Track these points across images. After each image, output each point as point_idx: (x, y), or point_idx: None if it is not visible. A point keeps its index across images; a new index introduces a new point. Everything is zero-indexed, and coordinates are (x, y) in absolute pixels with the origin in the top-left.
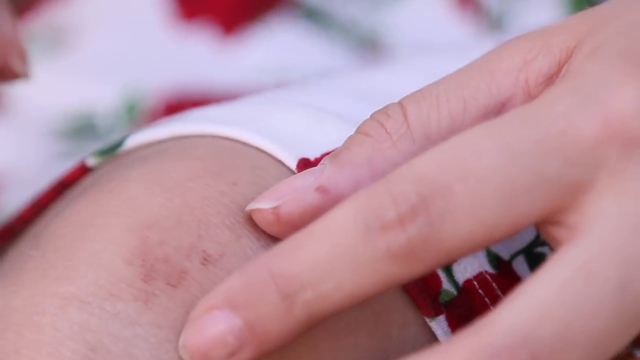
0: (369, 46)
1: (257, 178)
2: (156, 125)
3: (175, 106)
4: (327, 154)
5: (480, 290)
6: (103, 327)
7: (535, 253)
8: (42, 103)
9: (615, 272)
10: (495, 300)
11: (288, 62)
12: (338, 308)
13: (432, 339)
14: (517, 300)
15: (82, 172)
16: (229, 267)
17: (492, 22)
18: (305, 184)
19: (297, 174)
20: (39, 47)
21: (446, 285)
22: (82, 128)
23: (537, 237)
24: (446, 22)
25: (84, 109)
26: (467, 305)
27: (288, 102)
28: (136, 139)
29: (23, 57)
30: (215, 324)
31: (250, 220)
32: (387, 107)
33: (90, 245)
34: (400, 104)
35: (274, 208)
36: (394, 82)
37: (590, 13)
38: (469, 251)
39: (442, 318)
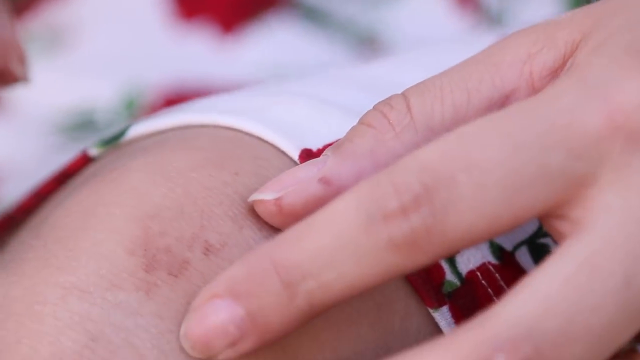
0: (367, 44)
1: (259, 168)
2: (158, 116)
3: (175, 101)
4: (329, 144)
5: (483, 281)
6: (104, 317)
7: (538, 244)
8: (42, 101)
9: (619, 266)
10: (498, 291)
11: (287, 60)
12: (340, 298)
13: (435, 330)
14: (521, 293)
15: (84, 162)
16: (230, 258)
17: (492, 20)
18: (308, 175)
19: (300, 165)
20: (37, 47)
21: (449, 276)
22: (81, 124)
23: (540, 228)
24: (445, 20)
25: (84, 106)
26: (470, 296)
27: (290, 93)
28: (138, 129)
29: (23, 60)
30: (217, 313)
31: (253, 211)
32: (390, 98)
33: (92, 235)
34: (404, 95)
35: (277, 199)
36: (396, 73)
37: (596, 7)
38: (471, 243)
39: (445, 309)
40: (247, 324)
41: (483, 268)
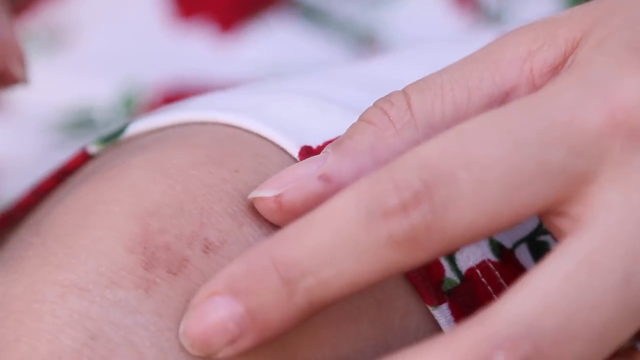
0: (366, 43)
1: (259, 165)
2: (157, 113)
3: (173, 99)
4: (329, 142)
5: (483, 279)
6: (103, 315)
7: (538, 241)
8: (41, 100)
9: (619, 264)
10: (497, 288)
11: (285, 59)
12: (339, 295)
13: (435, 327)
14: (521, 291)
15: (83, 159)
16: (230, 255)
17: (491, 19)
18: (308, 172)
19: (300, 162)
20: (36, 46)
21: (449, 273)
22: (80, 122)
23: (540, 225)
24: (444, 19)
25: (82, 104)
26: (470, 294)
27: (289, 90)
28: (137, 127)
29: (22, 61)
30: (216, 310)
31: (253, 208)
32: (390, 95)
33: (91, 232)
34: (404, 92)
35: (277, 196)
36: (395, 71)
37: (595, 5)
38: (471, 240)
39: (445, 306)
40: (246, 321)
41: (483, 265)
